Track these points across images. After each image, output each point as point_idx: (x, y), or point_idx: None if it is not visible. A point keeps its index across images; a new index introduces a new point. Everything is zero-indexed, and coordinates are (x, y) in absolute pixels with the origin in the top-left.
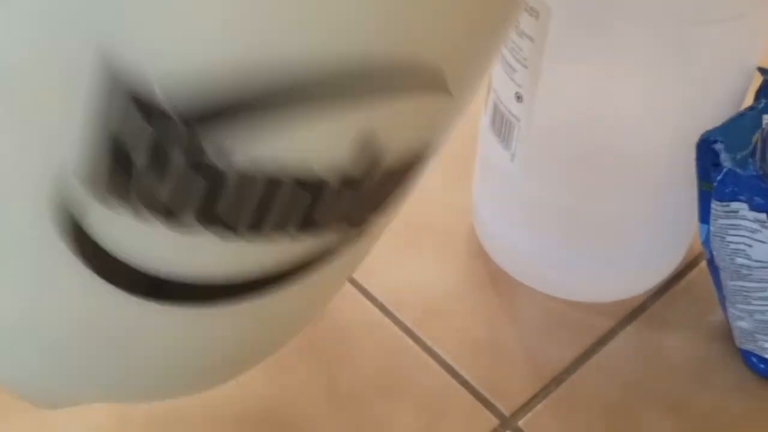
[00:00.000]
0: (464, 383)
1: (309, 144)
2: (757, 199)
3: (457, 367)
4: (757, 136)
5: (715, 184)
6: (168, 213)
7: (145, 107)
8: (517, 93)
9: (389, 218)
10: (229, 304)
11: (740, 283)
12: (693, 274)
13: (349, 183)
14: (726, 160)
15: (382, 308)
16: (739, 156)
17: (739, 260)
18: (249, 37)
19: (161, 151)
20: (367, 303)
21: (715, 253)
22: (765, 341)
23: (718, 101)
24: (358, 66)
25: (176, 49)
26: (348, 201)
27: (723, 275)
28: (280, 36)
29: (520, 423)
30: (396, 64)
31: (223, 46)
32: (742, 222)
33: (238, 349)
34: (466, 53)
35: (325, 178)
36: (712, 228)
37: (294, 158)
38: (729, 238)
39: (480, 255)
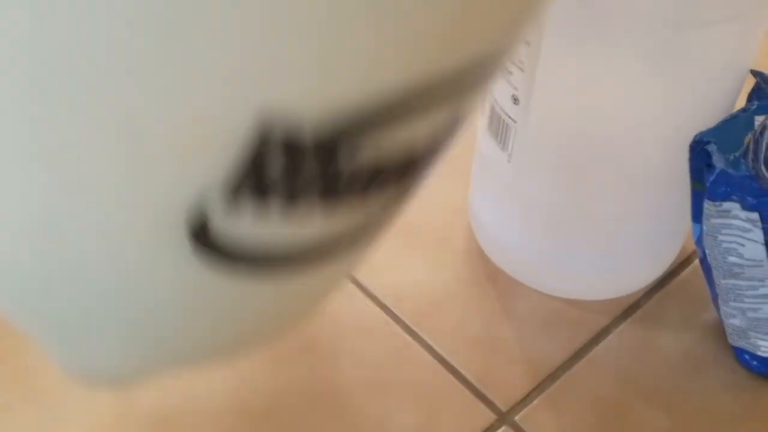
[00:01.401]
0: (462, 379)
1: (412, 136)
2: (750, 199)
3: (454, 364)
4: (749, 138)
5: (708, 184)
6: (292, 203)
7: (292, 148)
8: (513, 95)
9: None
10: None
11: (733, 281)
12: (686, 272)
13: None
14: (719, 161)
15: (382, 306)
16: (731, 157)
17: (732, 259)
18: (390, 72)
19: (296, 169)
20: (367, 300)
21: (708, 251)
22: (758, 339)
23: (711, 103)
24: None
25: (322, 95)
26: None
27: (716, 274)
28: (404, 66)
29: (517, 418)
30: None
31: (359, 84)
32: (734, 221)
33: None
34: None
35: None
36: (705, 227)
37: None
38: (721, 237)
39: (477, 254)
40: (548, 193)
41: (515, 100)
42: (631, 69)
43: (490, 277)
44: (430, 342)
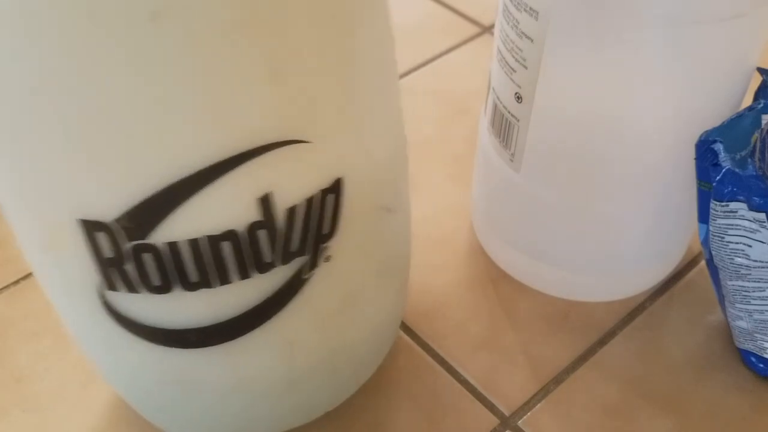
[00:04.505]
0: (464, 382)
1: (212, 210)
2: (756, 199)
3: (456, 367)
4: (756, 136)
5: (714, 184)
6: (145, 285)
7: (109, 233)
8: (516, 93)
9: (353, 243)
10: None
11: (739, 282)
12: (692, 273)
13: (256, 227)
14: (725, 160)
15: None
16: (738, 156)
17: (738, 260)
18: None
19: (120, 250)
20: None
21: (714, 252)
22: (764, 341)
23: (717, 101)
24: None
25: (106, 203)
26: (267, 241)
27: (722, 275)
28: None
29: (520, 422)
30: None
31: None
32: (741, 222)
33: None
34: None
35: (234, 228)
36: (711, 228)
37: (206, 222)
38: (728, 238)
39: (480, 255)
40: (552, 192)
41: (518, 98)
42: (636, 67)
43: (493, 278)
44: (432, 344)
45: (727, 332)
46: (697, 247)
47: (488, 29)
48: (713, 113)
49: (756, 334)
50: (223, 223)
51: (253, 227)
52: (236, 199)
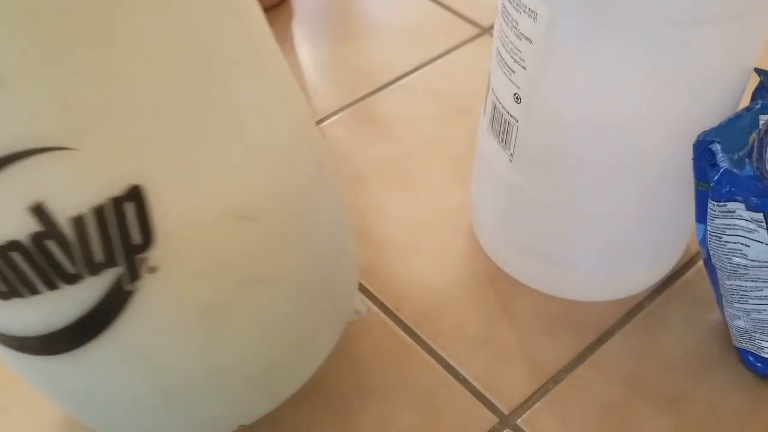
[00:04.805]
0: (463, 381)
1: None
2: (754, 199)
3: (456, 366)
4: (753, 137)
5: (712, 184)
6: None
7: None
8: (515, 94)
9: (191, 253)
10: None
11: (737, 282)
12: (690, 273)
13: (42, 238)
14: (723, 161)
15: (382, 307)
16: (736, 156)
17: (736, 260)
18: None
19: None
20: (367, 302)
21: (712, 252)
22: (762, 340)
23: (715, 102)
24: None
25: None
26: (61, 251)
27: (720, 275)
28: None
29: (519, 421)
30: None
31: None
32: (738, 222)
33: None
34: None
35: (16, 239)
36: (709, 228)
37: None
38: (726, 238)
39: (479, 254)
40: (551, 192)
41: (517, 99)
42: (634, 68)
43: (492, 278)
44: (431, 343)
45: (725, 331)
46: (695, 246)
47: (488, 30)
48: (711, 114)
49: (754, 334)
50: (1, 234)
51: (38, 237)
52: (2, 209)
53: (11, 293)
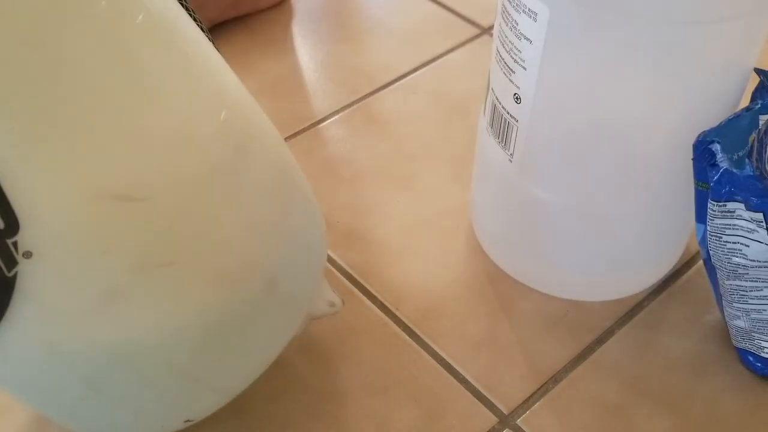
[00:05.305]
0: (463, 381)
1: None
2: (754, 199)
3: (456, 366)
4: (753, 137)
5: (711, 184)
6: None
7: None
8: (515, 94)
9: (73, 237)
10: None
11: (737, 282)
12: (690, 273)
13: None
14: (723, 161)
15: (382, 307)
16: (735, 156)
17: (736, 260)
18: None
19: None
20: (367, 302)
21: (711, 252)
22: (762, 340)
23: (714, 102)
24: None
25: None
26: None
27: (720, 274)
28: None
29: (519, 421)
30: None
31: None
32: (738, 222)
33: None
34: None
35: None
36: (708, 228)
37: None
38: (726, 238)
39: (479, 254)
40: (550, 192)
41: (517, 99)
42: (634, 68)
43: (492, 278)
44: (431, 343)
45: (724, 331)
46: (695, 246)
47: (487, 30)
48: (711, 114)
49: (753, 334)
50: None
51: None
52: None
53: None
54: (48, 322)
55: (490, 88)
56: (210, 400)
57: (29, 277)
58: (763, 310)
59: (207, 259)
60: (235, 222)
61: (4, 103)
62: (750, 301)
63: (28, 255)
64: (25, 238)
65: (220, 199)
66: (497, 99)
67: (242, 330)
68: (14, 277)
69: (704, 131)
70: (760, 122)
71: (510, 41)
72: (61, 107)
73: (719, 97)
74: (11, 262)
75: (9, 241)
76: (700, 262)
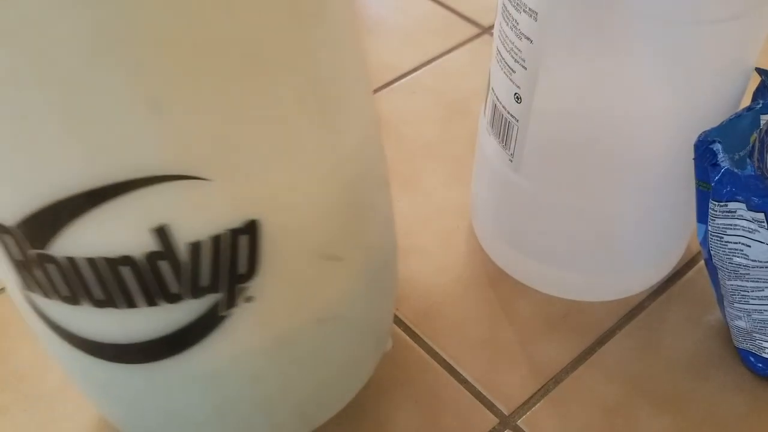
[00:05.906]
0: (463, 382)
1: (103, 232)
2: (755, 199)
3: (456, 366)
4: (755, 136)
5: (713, 184)
6: (52, 292)
7: (14, 237)
8: (516, 94)
9: (282, 287)
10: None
11: (738, 282)
12: (691, 273)
13: (156, 258)
14: (724, 160)
15: None
16: (737, 156)
17: (737, 260)
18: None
19: (26, 255)
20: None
21: (713, 252)
22: (762, 341)
23: (715, 101)
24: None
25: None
26: (171, 272)
27: (721, 275)
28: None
29: (519, 422)
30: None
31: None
32: (739, 222)
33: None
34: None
35: (131, 255)
36: (710, 228)
37: (100, 243)
38: (727, 238)
39: (479, 254)
40: (551, 192)
41: (518, 99)
42: (635, 68)
43: (492, 278)
44: (432, 344)
45: (725, 332)
46: (696, 246)
47: (488, 30)
48: (712, 113)
49: (754, 334)
50: (118, 248)
51: (153, 257)
52: (126, 225)
53: (107, 303)
54: (224, 358)
55: (491, 88)
56: (300, 430)
57: (235, 317)
58: (764, 310)
59: (361, 315)
60: (382, 278)
61: (281, 164)
62: (751, 302)
63: (249, 300)
64: (253, 285)
65: (380, 255)
66: (498, 99)
67: (355, 373)
68: (225, 316)
69: (705, 131)
70: (762, 122)
71: (510, 41)
72: (314, 166)
73: (720, 96)
74: (231, 304)
75: (240, 286)
76: (701, 262)
